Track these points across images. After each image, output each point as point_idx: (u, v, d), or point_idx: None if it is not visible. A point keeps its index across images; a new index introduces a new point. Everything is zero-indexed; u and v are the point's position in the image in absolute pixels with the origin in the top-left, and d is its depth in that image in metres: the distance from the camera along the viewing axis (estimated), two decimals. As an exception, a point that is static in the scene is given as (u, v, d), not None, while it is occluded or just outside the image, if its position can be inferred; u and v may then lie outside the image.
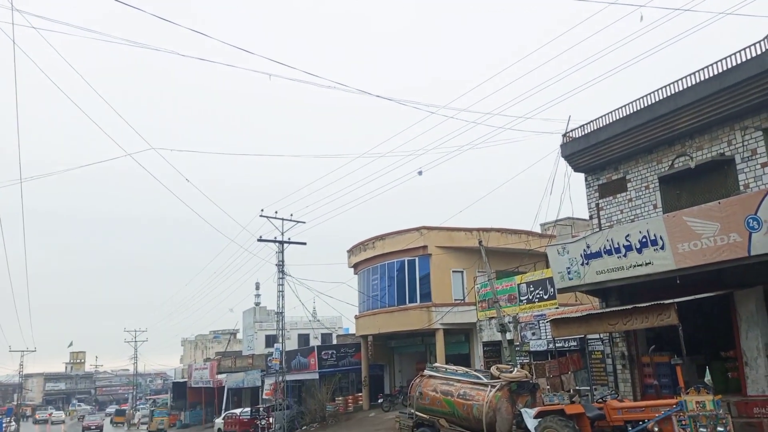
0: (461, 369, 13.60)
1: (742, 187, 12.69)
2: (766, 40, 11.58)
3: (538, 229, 30.47)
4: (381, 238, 27.67)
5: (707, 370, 9.41)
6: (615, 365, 15.71)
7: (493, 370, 12.32)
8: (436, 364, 14.22)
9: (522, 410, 11.24)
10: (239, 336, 65.03)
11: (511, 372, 11.97)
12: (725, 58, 12.43)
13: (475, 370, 13.43)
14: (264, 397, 36.13)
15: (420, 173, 20.36)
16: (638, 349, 15.23)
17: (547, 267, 21.13)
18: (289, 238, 29.40)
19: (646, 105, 14.65)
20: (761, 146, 12.44)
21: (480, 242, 19.32)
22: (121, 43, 11.62)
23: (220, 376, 42.93)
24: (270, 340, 53.25)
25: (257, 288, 60.79)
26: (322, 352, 32.23)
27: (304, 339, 52.60)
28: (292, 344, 46.81)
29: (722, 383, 12.89)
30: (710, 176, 13.63)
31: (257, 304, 59.22)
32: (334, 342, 44.39)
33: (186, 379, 51.68)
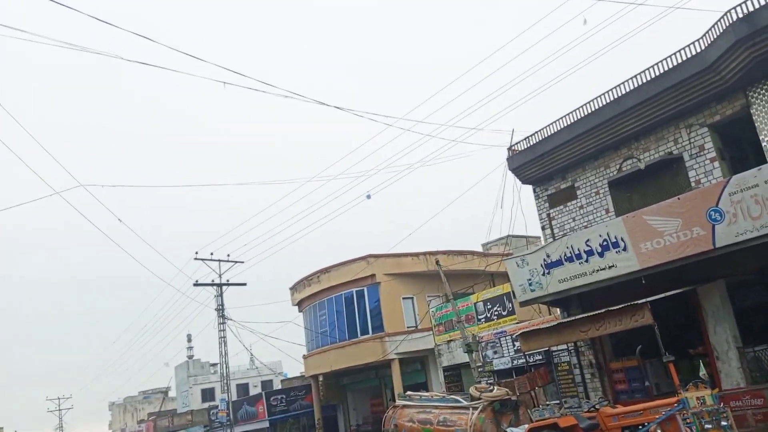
0: (437, 394, 12.99)
1: (693, 184, 12.98)
2: (705, 38, 12.00)
3: (492, 250, 30.69)
4: (326, 271, 26.84)
5: (701, 364, 9.27)
6: (583, 375, 15.55)
7: (473, 390, 11.79)
8: (409, 393, 13.54)
9: (508, 430, 10.73)
10: (172, 393, 61.48)
11: (491, 391, 11.47)
12: (666, 58, 12.81)
13: (453, 394, 12.84)
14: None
15: (368, 197, 19.91)
16: (606, 356, 15.15)
17: (494, 286, 21.09)
18: (227, 280, 28.08)
19: (590, 111, 14.90)
20: (708, 142, 12.81)
21: (437, 262, 18.96)
22: (50, 43, 10.55)
23: (158, 438, 40.07)
24: (207, 395, 50.56)
25: (189, 340, 57.90)
26: (271, 398, 30.66)
27: (243, 389, 50.33)
28: (231, 396, 44.54)
29: (691, 381, 12.92)
30: (660, 176, 13.90)
31: (190, 357, 56.37)
32: (277, 388, 42.59)
33: (119, 445, 48.00)
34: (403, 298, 25.56)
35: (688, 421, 7.97)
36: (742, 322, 12.53)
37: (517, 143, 17.11)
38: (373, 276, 25.37)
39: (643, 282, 12.21)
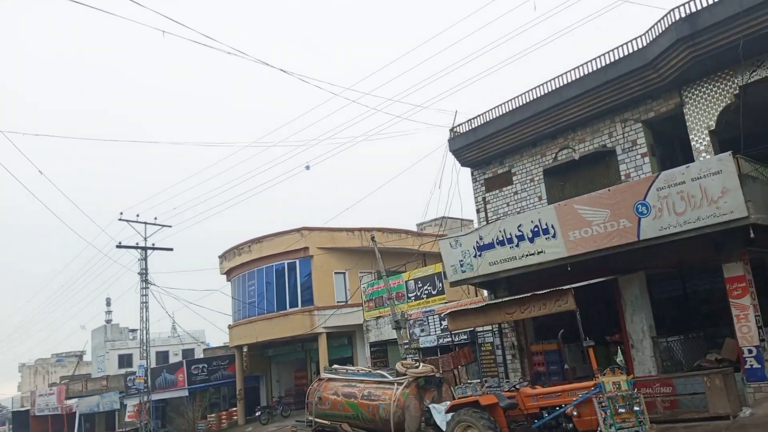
0: (363, 369, 12.95)
1: (623, 177, 13.37)
2: (647, 35, 12.26)
3: (414, 228, 30.88)
4: (258, 240, 26.29)
5: (618, 350, 9.57)
6: (505, 356, 15.91)
7: (399, 366, 11.80)
8: (336, 366, 13.43)
9: (430, 406, 10.82)
10: (87, 358, 59.34)
11: (417, 368, 11.52)
12: (609, 52, 13.03)
13: (379, 369, 12.83)
14: (127, 419, 32.89)
15: (308, 168, 19.48)
16: (527, 339, 15.53)
17: (426, 265, 21.25)
18: (153, 244, 27.03)
19: (531, 99, 15.04)
20: (641, 137, 13.19)
21: (372, 238, 18.87)
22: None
23: (69, 402, 38.55)
24: (124, 360, 49.09)
25: (108, 304, 55.85)
26: (192, 367, 29.95)
27: (163, 356, 49.16)
28: (150, 363, 43.39)
29: (607, 366, 13.44)
30: (592, 167, 14.24)
31: (108, 321, 54.49)
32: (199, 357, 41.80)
33: (29, 408, 45.92)
34: (335, 273, 25.42)
35: (603, 404, 8.21)
36: (658, 313, 13.08)
37: (459, 125, 17.11)
38: (306, 249, 25.05)
39: (569, 269, 12.47)
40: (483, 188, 16.86)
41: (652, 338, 12.53)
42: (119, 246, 26.09)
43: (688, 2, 11.22)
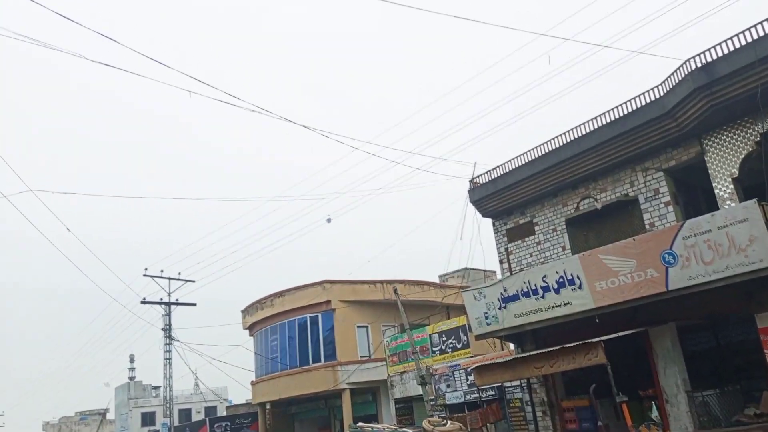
0: (389, 426, 12.68)
1: (648, 226, 13.23)
2: (664, 85, 12.36)
3: (437, 279, 30.65)
4: (280, 294, 26.31)
5: (653, 405, 9.27)
6: (535, 413, 15.47)
7: (425, 424, 11.55)
8: (361, 424, 13.18)
9: (458, 467, 10.49)
10: (110, 416, 58.92)
11: (444, 425, 11.25)
12: (627, 102, 13.13)
13: (405, 427, 12.54)
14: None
15: (329, 221, 19.67)
16: (557, 394, 15.12)
17: (450, 318, 21.02)
18: (176, 299, 27.22)
19: (550, 149, 15.13)
20: (663, 186, 13.11)
21: (395, 290, 18.76)
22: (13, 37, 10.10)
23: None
24: (147, 418, 48.66)
25: (132, 360, 55.81)
26: (215, 425, 29.62)
27: (185, 414, 48.62)
28: (173, 421, 42.96)
29: (642, 422, 12.98)
30: (616, 216, 14.15)
31: (132, 378, 54.31)
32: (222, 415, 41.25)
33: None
34: (358, 327, 25.22)
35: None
36: (692, 366, 12.69)
37: (479, 176, 17.22)
38: (328, 302, 24.98)
39: (597, 321, 12.24)
40: (505, 238, 16.80)
41: (686, 392, 12.11)
42: (144, 302, 26.32)
43: (704, 52, 11.33)
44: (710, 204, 12.69)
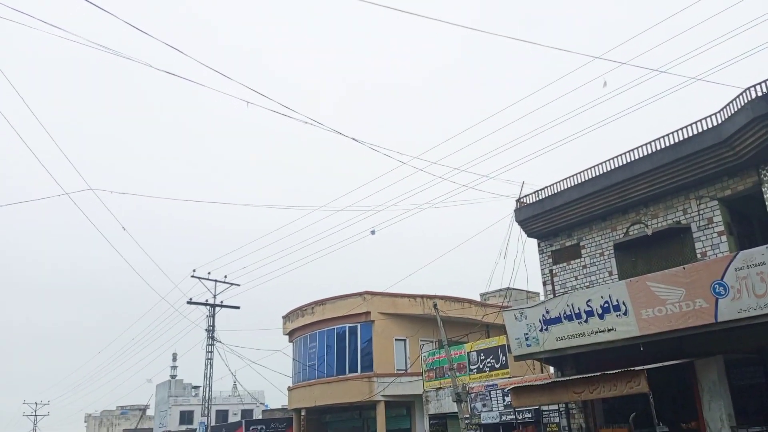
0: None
1: (699, 255, 12.96)
2: (722, 112, 12.16)
3: (478, 297, 30.49)
4: (321, 303, 26.68)
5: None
6: (572, 438, 15.24)
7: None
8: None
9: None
10: (150, 412, 60.38)
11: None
12: (683, 128, 12.94)
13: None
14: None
15: (373, 232, 19.88)
16: (596, 421, 14.86)
17: (489, 337, 20.88)
18: (221, 302, 27.87)
19: (601, 172, 15.00)
20: (717, 215, 12.84)
21: (435, 306, 18.83)
22: (84, 43, 10.76)
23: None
24: (185, 417, 49.69)
25: (174, 359, 57.13)
26: (251, 428, 30.09)
27: (222, 415, 49.46)
28: (210, 421, 43.80)
29: (683, 456, 12.66)
30: (666, 244, 13.90)
31: (173, 376, 55.57)
32: (258, 418, 41.80)
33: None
34: (396, 339, 25.32)
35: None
36: (738, 400, 12.32)
37: (526, 196, 17.21)
38: (367, 313, 25.18)
39: (642, 349, 12.06)
40: (550, 260, 16.70)
41: (731, 428, 11.76)
42: (190, 302, 27.03)
43: (765, 81, 11.12)
44: (766, 235, 12.35)
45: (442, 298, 25.36)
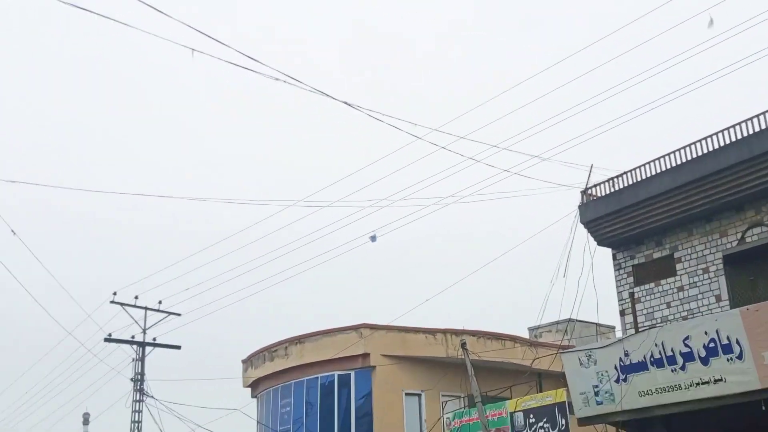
0: None
1: None
2: None
3: (526, 334, 30.37)
4: (298, 340, 26.57)
5: None
6: None
7: None
8: None
9: None
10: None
11: None
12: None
13: None
14: None
15: (373, 239, 19.65)
16: None
17: (542, 390, 20.71)
18: (154, 339, 27.83)
19: (705, 151, 14.95)
20: None
21: (463, 345, 18.74)
22: None
23: None
24: (103, 503, 49.78)
25: (86, 422, 57.06)
26: None
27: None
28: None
29: None
30: (801, 255, 13.86)
31: (86, 447, 55.64)
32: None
33: None
34: (406, 394, 25.22)
35: None
36: None
37: (595, 185, 17.20)
38: (365, 356, 25.04)
39: (764, 409, 12.00)
40: (630, 279, 16.73)
41: None
42: (109, 339, 27.00)
43: None
44: None
45: (473, 333, 25.25)
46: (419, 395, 25.40)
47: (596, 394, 14.54)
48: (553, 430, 18.82)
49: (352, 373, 25.37)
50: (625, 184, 16.43)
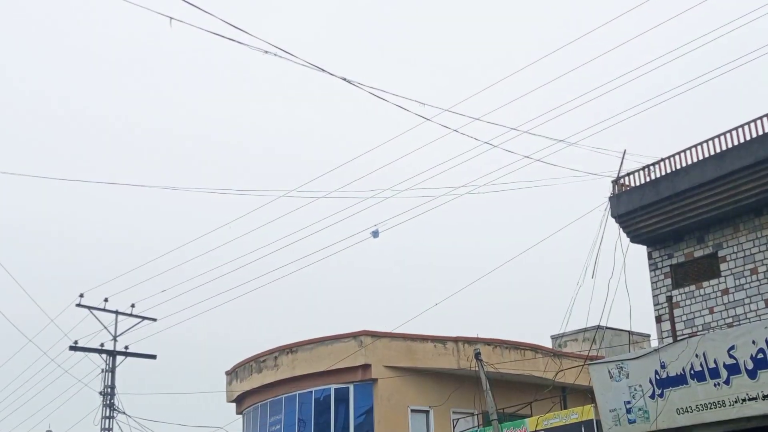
0: None
1: None
2: None
3: (548, 343, 30.38)
4: (290, 350, 26.60)
5: None
6: None
7: None
8: None
9: None
10: None
11: None
12: None
13: None
14: None
15: (375, 235, 19.55)
16: None
17: (567, 407, 20.72)
18: (126, 347, 27.84)
19: (754, 135, 14.94)
20: None
21: (477, 355, 18.74)
22: None
23: None
24: None
25: (51, 438, 57.36)
26: None
27: None
28: None
29: None
30: None
31: (49, 467, 55.86)
32: None
33: None
34: (412, 411, 25.25)
35: None
36: None
37: (628, 174, 17.16)
38: (366, 367, 25.06)
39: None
40: (668, 281, 16.74)
41: None
42: (74, 347, 26.99)
43: None
44: None
45: (488, 342, 25.29)
46: (427, 412, 25.43)
47: (628, 411, 14.61)
48: (579, 451, 18.85)
49: (351, 387, 25.40)
50: (663, 173, 16.41)
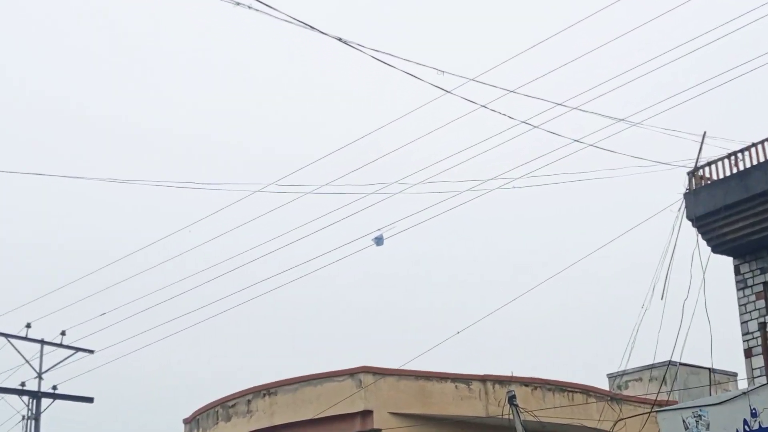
0: None
1: None
2: None
3: (605, 384, 30.39)
4: (267, 391, 26.65)
5: None
6: None
7: None
8: None
9: None
10: None
11: None
12: None
13: None
14: None
15: (379, 242, 19.57)
16: None
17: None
18: (54, 387, 27.91)
19: None
20: None
21: (511, 399, 18.77)
22: None
23: None
24: None
25: None
26: None
27: None
28: None
29: None
30: None
31: None
32: None
33: None
34: (426, 471, 25.30)
35: None
36: None
37: (710, 163, 17.15)
38: (366, 414, 25.11)
39: None
40: (761, 303, 16.73)
41: None
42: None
43: None
44: None
45: (525, 382, 25.35)
46: (445, 472, 25.51)
47: (709, 472, 14.61)
48: None
49: (347, 440, 25.46)
50: (754, 163, 16.42)
